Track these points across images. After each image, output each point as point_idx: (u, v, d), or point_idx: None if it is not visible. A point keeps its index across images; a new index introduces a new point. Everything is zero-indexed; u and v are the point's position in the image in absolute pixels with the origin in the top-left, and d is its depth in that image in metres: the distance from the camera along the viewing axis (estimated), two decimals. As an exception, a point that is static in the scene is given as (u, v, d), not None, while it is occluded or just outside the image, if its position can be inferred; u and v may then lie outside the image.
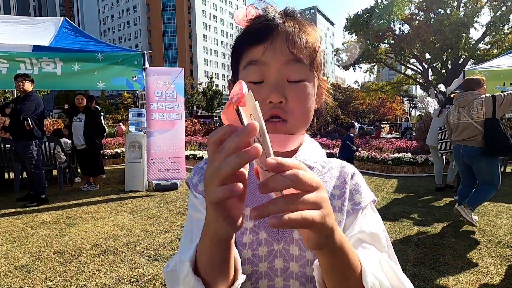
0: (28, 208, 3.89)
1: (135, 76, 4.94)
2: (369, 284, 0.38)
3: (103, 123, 6.02)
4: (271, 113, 0.47)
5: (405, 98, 42.43)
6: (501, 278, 2.14)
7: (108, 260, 2.44)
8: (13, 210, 3.82)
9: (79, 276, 2.20)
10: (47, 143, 4.87)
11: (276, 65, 0.47)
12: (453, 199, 4.28)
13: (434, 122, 4.83)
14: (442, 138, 4.38)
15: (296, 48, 0.47)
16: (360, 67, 24.97)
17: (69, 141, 5.38)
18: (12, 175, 5.05)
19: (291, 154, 0.53)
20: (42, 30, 5.37)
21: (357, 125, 25.56)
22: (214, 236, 0.36)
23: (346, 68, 24.19)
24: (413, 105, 39.08)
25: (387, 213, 3.69)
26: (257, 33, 0.47)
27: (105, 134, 6.34)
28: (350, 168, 0.56)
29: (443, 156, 4.64)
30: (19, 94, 3.98)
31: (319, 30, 0.53)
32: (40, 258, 2.47)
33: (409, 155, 6.52)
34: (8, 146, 4.70)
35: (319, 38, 0.52)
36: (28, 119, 3.74)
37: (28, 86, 3.83)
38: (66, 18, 5.87)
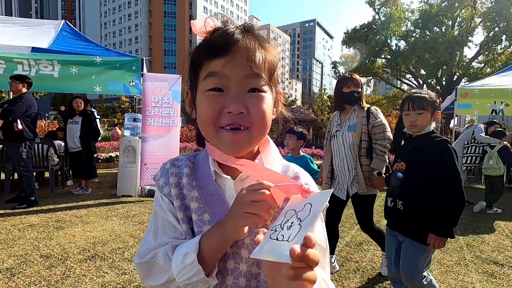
0: (17, 210, 3.84)
1: (133, 81, 4.97)
2: None
3: (99, 127, 6.02)
4: (231, 122, 0.49)
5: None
6: (486, 295, 2.16)
7: (95, 265, 2.42)
8: (1, 211, 3.76)
9: (64, 281, 2.17)
10: (40, 145, 4.84)
11: (235, 77, 0.49)
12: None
13: (461, 136, 5.20)
14: (468, 152, 4.78)
15: (255, 63, 0.49)
16: (357, 80, 25.36)
17: (63, 144, 5.35)
18: (3, 176, 5.00)
19: (252, 158, 0.56)
20: (42, 33, 5.41)
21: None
22: (228, 237, 0.50)
23: (343, 80, 24.52)
24: (408, 119, 39.52)
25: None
26: (218, 47, 0.49)
27: (99, 138, 6.33)
28: (304, 178, 0.59)
29: (465, 169, 4.93)
30: (13, 95, 3.98)
31: (278, 47, 0.56)
32: (26, 262, 2.44)
33: (402, 169, 6.57)
34: (0, 146, 4.66)
35: (278, 54, 0.54)
36: (18, 120, 3.72)
37: (19, 88, 3.82)
38: (67, 21, 5.93)
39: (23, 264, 2.39)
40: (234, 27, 0.51)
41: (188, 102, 0.58)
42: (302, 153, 2.73)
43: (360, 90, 2.27)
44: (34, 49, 4.55)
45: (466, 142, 4.86)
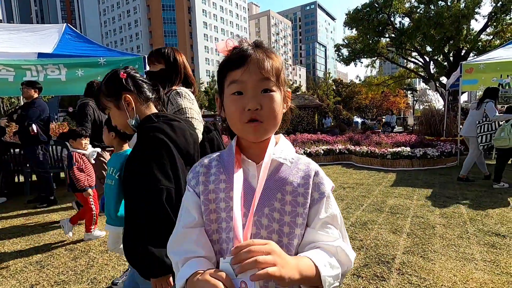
0: (38, 209, 4.08)
1: (137, 80, 5.09)
2: (326, 283, 0.58)
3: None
4: (251, 117, 0.64)
5: (409, 92, 42.12)
6: (485, 264, 2.26)
7: (116, 255, 2.60)
8: (24, 211, 4.01)
9: (89, 270, 2.36)
10: (54, 147, 5.06)
11: (251, 82, 0.64)
12: (451, 191, 4.39)
13: (471, 115, 5.09)
14: (482, 131, 4.72)
15: (264, 70, 0.64)
16: (361, 62, 24.87)
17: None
18: (22, 178, 5.26)
19: (265, 151, 0.68)
20: (45, 37, 5.54)
21: (359, 120, 25.47)
22: None
23: (347, 63, 24.13)
24: (416, 98, 38.85)
25: (383, 206, 3.80)
26: (236, 61, 0.65)
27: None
28: (314, 166, 0.72)
29: (482, 148, 4.85)
30: (26, 101, 4.16)
31: (280, 56, 0.71)
32: (53, 255, 2.65)
33: (408, 149, 6.61)
34: (18, 150, 4.90)
35: (282, 62, 0.70)
36: (33, 125, 3.90)
37: (31, 93, 3.99)
38: (69, 24, 6.04)
39: (51, 257, 2.60)
40: (247, 45, 0.67)
41: (218, 105, 0.75)
42: (126, 148, 1.91)
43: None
44: (41, 55, 4.70)
45: (478, 122, 4.81)
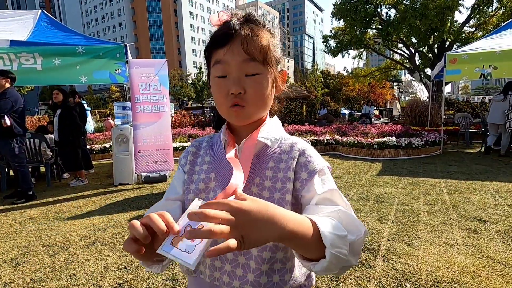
0: (16, 205, 3.91)
1: (118, 69, 4.90)
2: (328, 241, 0.45)
3: (90, 119, 5.98)
4: (233, 102, 0.60)
5: (395, 83, 42.71)
6: (466, 248, 2.31)
7: (97, 250, 2.52)
8: (0, 207, 3.83)
9: (69, 266, 2.27)
10: (31, 140, 4.84)
11: (235, 63, 0.59)
12: (435, 179, 4.47)
13: (498, 105, 6.26)
14: (510, 118, 5.92)
15: (249, 49, 0.58)
16: (349, 54, 24.95)
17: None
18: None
19: (256, 128, 0.66)
20: (19, 25, 5.23)
21: (346, 111, 25.70)
22: None
23: (334, 54, 24.13)
24: (402, 89, 39.43)
25: (369, 194, 3.84)
26: (219, 39, 0.59)
27: (92, 129, 6.28)
28: (301, 145, 0.66)
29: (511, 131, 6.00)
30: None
31: (269, 33, 0.63)
32: (30, 252, 2.53)
33: (394, 139, 6.69)
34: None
35: (270, 38, 0.63)
36: (5, 116, 3.70)
37: (3, 83, 3.77)
38: (44, 11, 5.72)
39: (27, 254, 2.48)
40: (236, 19, 0.61)
41: (209, 85, 0.70)
42: None
43: None
44: (13, 42, 4.43)
45: (505, 111, 5.96)
